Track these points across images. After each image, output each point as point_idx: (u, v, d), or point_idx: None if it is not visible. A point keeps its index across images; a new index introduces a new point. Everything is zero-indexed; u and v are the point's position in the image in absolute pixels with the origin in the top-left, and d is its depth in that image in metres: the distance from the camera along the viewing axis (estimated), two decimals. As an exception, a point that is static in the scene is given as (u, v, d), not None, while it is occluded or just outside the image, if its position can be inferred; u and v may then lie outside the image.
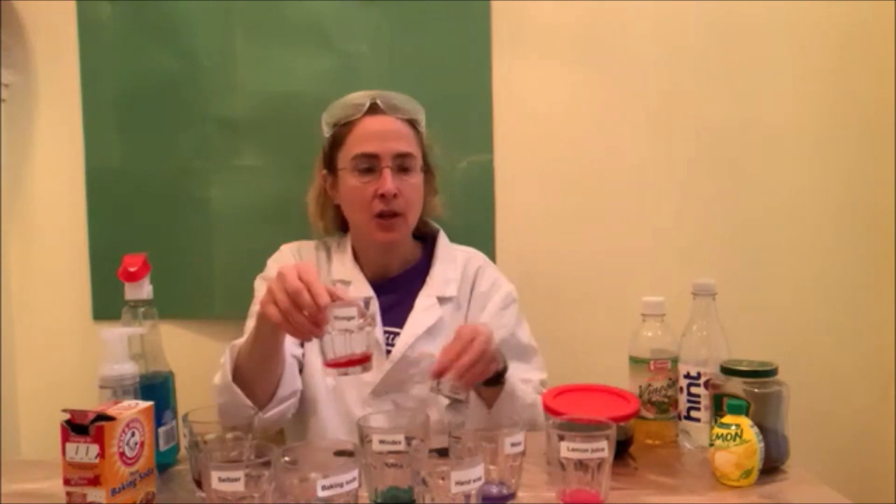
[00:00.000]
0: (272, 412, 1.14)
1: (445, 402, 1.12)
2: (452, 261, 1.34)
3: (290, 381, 1.17)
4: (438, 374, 1.03)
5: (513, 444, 0.88)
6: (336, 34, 1.51)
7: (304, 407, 1.25)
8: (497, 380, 1.13)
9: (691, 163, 1.57)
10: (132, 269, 1.07)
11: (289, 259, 1.33)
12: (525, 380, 1.23)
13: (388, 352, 1.25)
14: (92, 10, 1.50)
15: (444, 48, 1.53)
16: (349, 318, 0.95)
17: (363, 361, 0.97)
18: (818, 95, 1.57)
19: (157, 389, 1.05)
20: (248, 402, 1.10)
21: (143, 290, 1.08)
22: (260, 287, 1.31)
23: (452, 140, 1.51)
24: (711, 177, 1.57)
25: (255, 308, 1.24)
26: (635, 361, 1.16)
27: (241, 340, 1.13)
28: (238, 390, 1.09)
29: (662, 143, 1.57)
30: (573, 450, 0.87)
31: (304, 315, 0.96)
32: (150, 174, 1.52)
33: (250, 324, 1.24)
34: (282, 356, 1.14)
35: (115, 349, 0.98)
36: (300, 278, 0.96)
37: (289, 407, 1.19)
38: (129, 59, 1.50)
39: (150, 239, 1.50)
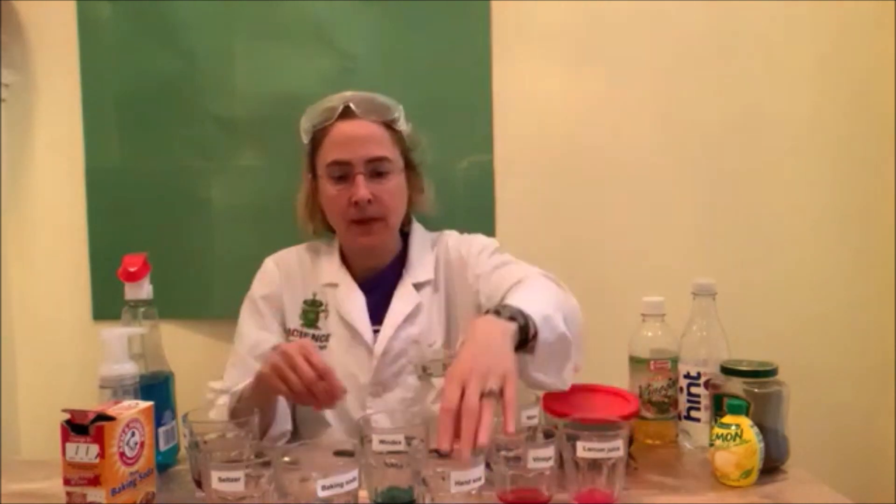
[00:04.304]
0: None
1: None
2: (425, 246, 1.33)
3: (282, 423, 1.18)
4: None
5: (528, 417, 0.98)
6: (336, 34, 1.51)
7: (307, 416, 1.24)
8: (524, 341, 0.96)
9: (691, 162, 1.57)
10: (132, 269, 1.08)
11: (272, 271, 1.31)
12: (522, 278, 1.12)
13: None
14: (92, 10, 1.50)
15: (444, 48, 1.52)
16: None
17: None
18: (819, 94, 1.56)
19: (157, 389, 1.05)
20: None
21: (143, 290, 1.08)
22: (245, 311, 1.30)
23: (452, 140, 1.52)
24: (712, 176, 1.57)
25: (243, 333, 1.27)
26: (635, 361, 1.17)
27: (242, 387, 1.13)
28: None
29: (662, 143, 1.56)
30: (589, 449, 0.87)
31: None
32: (151, 174, 1.51)
33: (240, 347, 1.25)
34: (274, 404, 1.15)
35: (115, 349, 0.99)
36: (310, 362, 1.01)
37: (277, 443, 1.19)
38: (129, 59, 1.50)
39: (150, 239, 1.49)
